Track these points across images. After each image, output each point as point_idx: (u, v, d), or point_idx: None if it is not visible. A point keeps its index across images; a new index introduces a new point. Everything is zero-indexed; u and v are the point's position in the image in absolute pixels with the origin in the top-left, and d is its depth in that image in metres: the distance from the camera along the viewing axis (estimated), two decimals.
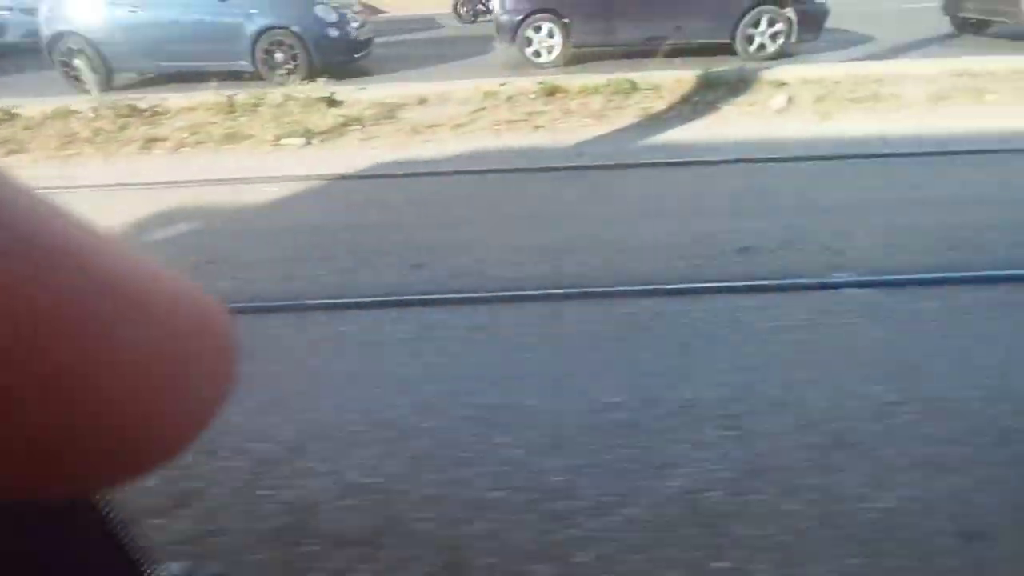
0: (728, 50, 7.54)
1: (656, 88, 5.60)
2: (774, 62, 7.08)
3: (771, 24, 7.37)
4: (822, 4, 7.55)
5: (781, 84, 5.64)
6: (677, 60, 6.78)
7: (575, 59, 7.79)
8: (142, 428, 0.21)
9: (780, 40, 7.42)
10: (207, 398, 0.24)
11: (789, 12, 7.34)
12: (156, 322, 0.21)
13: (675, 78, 5.68)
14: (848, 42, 8.62)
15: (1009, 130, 4.85)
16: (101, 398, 0.19)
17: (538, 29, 7.52)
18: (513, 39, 7.59)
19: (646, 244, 3.33)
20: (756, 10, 7.31)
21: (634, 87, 5.58)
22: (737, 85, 5.63)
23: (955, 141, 4.67)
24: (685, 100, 5.49)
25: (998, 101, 5.43)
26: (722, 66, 6.32)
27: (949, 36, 8.97)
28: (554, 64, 7.57)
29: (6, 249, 0.17)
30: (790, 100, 5.38)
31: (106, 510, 0.32)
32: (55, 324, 0.18)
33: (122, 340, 0.20)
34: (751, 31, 7.40)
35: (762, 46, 7.47)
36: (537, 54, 7.64)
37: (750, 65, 6.17)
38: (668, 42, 7.50)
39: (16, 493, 0.20)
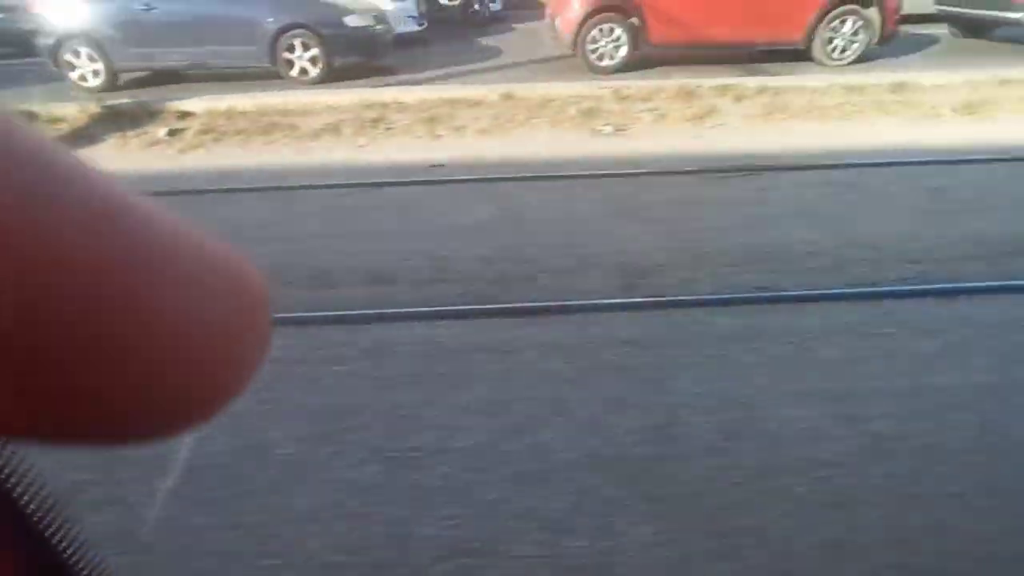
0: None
1: (57, 120, 5.65)
2: (307, 89, 7.24)
3: (306, 48, 7.48)
4: (366, 27, 7.69)
5: (186, 115, 5.74)
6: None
7: (138, 84, 7.83)
8: (177, 387, 0.22)
9: (320, 65, 7.53)
10: (244, 359, 0.24)
11: (325, 33, 7.43)
12: (193, 282, 0.22)
13: (79, 109, 5.74)
14: (462, 63, 8.79)
15: (347, 164, 5.01)
16: (138, 355, 0.20)
17: (77, 53, 7.52)
18: (56, 63, 7.58)
19: None
20: (288, 34, 7.40)
21: (33, 118, 5.62)
22: (142, 116, 5.71)
23: (271, 177, 4.79)
24: (78, 132, 5.55)
25: (389, 133, 5.61)
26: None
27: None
28: (101, 89, 7.57)
29: (48, 205, 0.18)
30: (171, 133, 5.48)
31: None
32: (94, 281, 0.18)
33: (159, 298, 0.20)
34: (288, 56, 7.50)
35: (304, 71, 7.58)
36: (84, 78, 7.64)
37: (147, 98, 6.25)
38: (211, 67, 7.59)
39: (61, 440, 0.20)
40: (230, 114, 5.78)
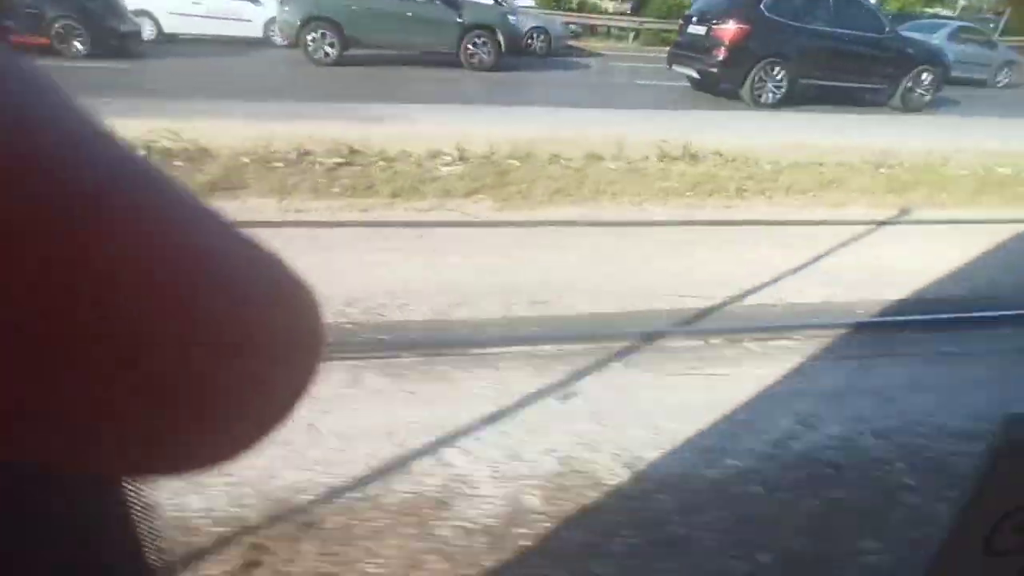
0: None
1: None
2: None
3: None
4: None
5: None
6: None
7: None
8: (224, 412, 0.19)
9: None
10: (294, 383, 0.22)
11: None
12: (247, 297, 0.20)
13: None
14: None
15: None
16: (179, 379, 0.17)
17: None
18: None
19: None
20: None
21: None
22: None
23: None
24: None
25: None
26: None
27: None
28: None
29: (87, 213, 0.16)
30: None
31: (125, 493, 0.29)
32: (144, 294, 0.16)
33: (210, 317, 0.18)
34: None
35: None
36: None
37: None
38: None
39: (98, 468, 0.18)
40: None
